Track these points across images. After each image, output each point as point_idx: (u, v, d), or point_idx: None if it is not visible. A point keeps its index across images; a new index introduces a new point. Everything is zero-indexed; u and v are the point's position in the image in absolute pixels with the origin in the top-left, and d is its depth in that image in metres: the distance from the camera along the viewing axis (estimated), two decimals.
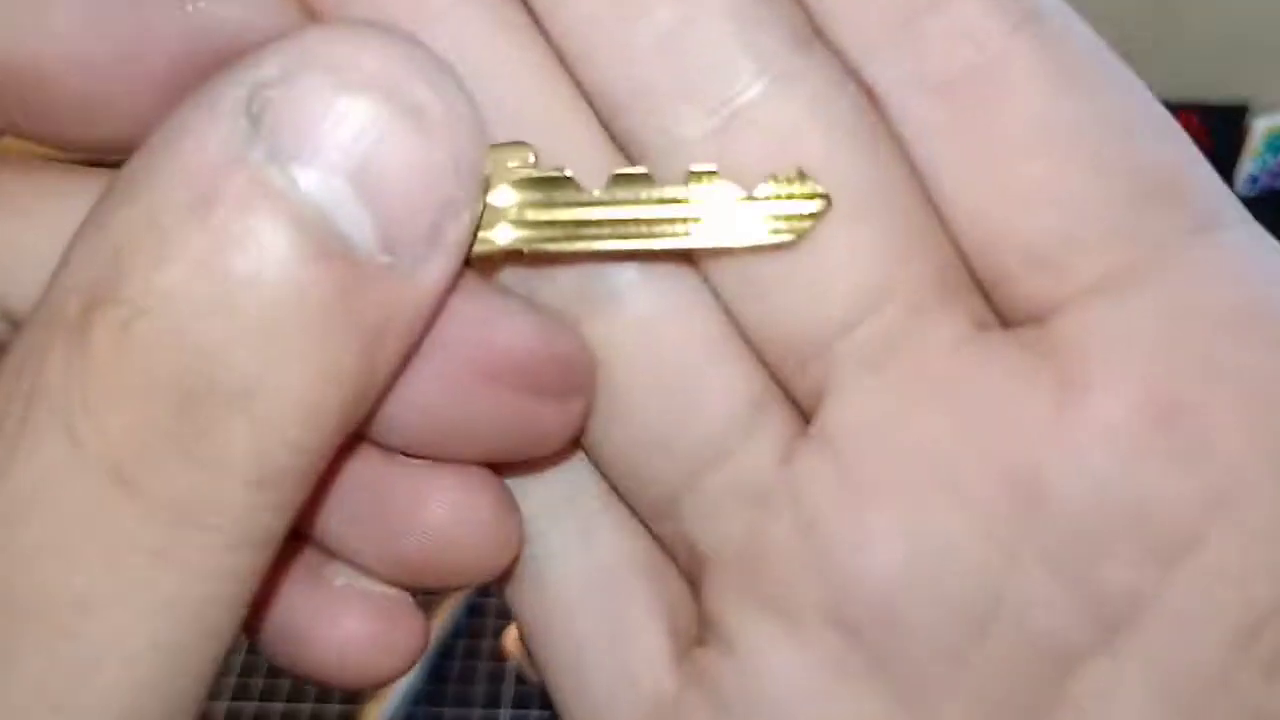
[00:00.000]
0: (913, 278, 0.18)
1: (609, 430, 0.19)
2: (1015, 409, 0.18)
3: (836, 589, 0.18)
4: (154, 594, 0.13)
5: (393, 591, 0.19)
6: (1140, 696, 0.17)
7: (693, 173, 0.17)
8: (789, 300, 0.18)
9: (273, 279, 0.14)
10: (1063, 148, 0.17)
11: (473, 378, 0.17)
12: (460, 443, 0.18)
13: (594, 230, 0.18)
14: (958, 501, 0.18)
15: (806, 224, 0.18)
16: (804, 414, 0.19)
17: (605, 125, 0.18)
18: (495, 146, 0.17)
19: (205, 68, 0.16)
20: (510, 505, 0.19)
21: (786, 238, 0.18)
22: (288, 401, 0.14)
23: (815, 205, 0.17)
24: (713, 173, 0.17)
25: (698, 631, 0.20)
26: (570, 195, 0.17)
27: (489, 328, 0.17)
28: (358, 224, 0.14)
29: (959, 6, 0.17)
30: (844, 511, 0.18)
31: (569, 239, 0.18)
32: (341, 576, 0.19)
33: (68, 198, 0.19)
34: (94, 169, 0.19)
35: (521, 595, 0.21)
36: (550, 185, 0.17)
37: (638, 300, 0.19)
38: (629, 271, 0.19)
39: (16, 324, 0.18)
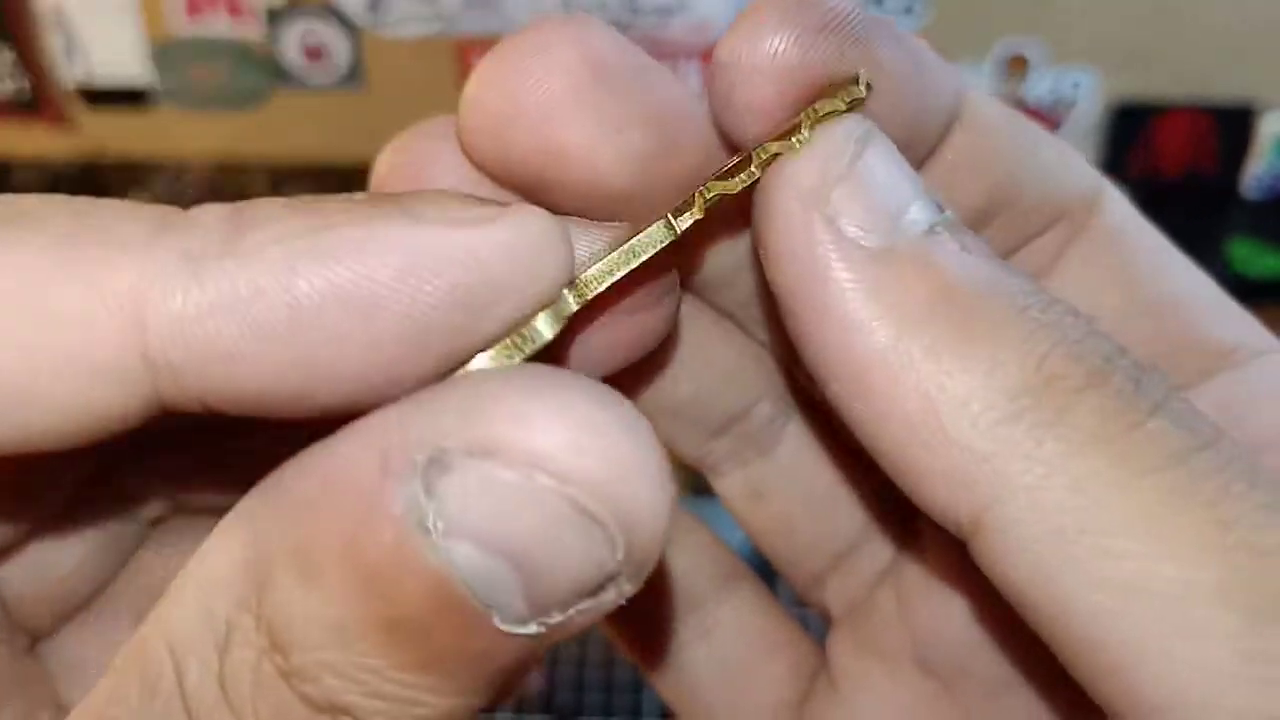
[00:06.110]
0: None
1: (788, 543, 0.27)
2: None
3: (920, 641, 0.25)
4: None
5: None
6: None
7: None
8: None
9: (407, 636, 0.13)
10: None
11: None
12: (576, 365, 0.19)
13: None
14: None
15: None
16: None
17: None
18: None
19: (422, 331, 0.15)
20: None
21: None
22: None
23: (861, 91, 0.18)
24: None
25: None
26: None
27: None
28: (509, 599, 0.14)
29: None
30: (929, 589, 0.25)
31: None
32: None
33: None
34: None
35: (663, 680, 0.28)
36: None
37: (789, 448, 0.26)
38: (789, 425, 0.26)
39: None
